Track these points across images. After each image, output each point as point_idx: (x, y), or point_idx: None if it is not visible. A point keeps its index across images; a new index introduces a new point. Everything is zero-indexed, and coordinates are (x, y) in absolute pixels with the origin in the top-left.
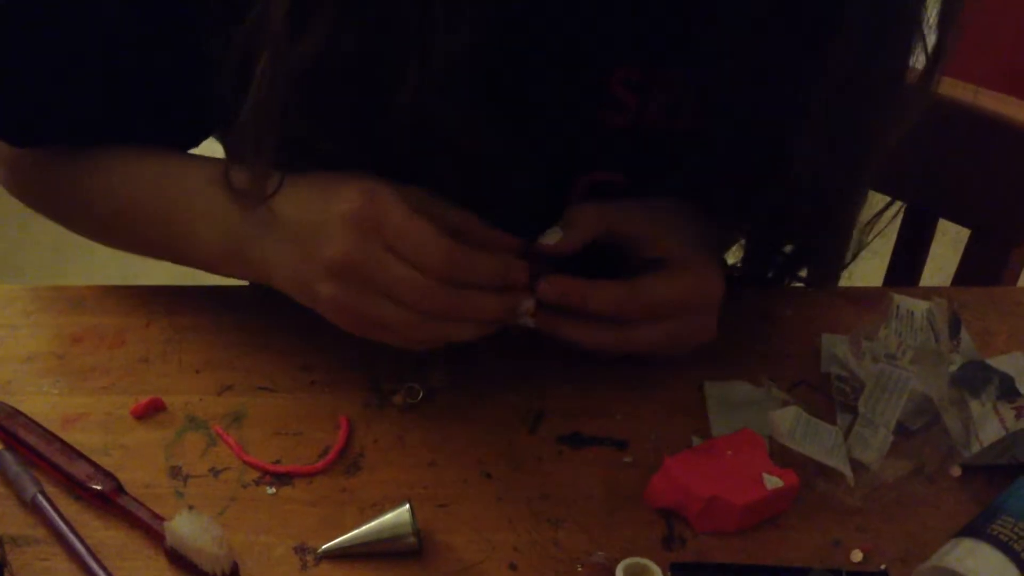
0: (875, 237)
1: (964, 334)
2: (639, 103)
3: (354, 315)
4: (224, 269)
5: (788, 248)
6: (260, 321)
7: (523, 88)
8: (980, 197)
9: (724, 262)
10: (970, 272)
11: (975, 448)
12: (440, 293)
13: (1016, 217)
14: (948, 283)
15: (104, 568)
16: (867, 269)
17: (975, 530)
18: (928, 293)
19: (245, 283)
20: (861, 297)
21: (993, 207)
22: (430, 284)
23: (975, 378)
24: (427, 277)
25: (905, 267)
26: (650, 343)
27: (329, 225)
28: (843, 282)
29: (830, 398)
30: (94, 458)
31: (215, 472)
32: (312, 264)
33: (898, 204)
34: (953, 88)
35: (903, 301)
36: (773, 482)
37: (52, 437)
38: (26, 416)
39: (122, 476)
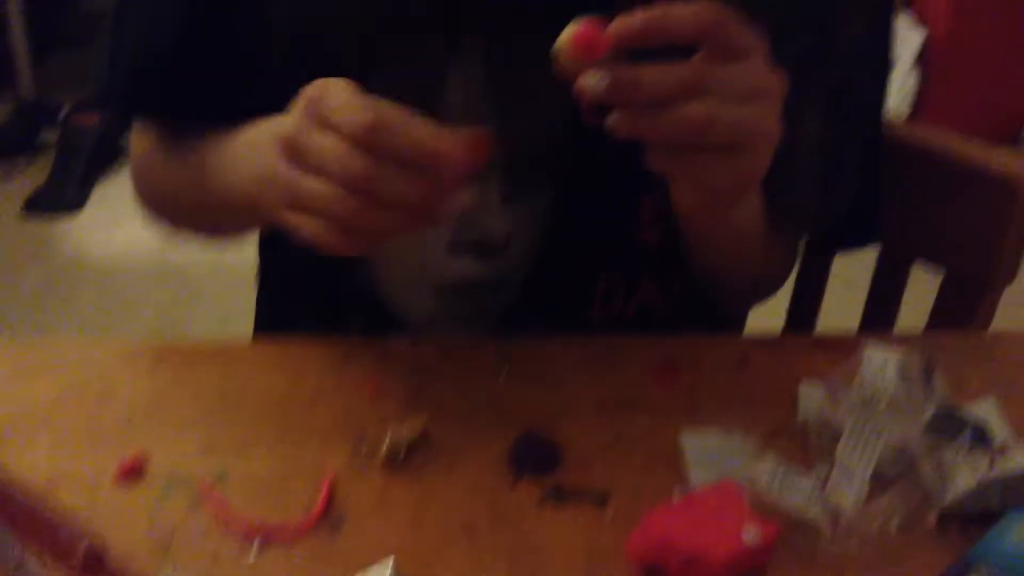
0: None
1: (937, 381)
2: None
3: (286, 190)
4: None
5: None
6: (243, 376)
7: None
8: (953, 240)
9: None
10: (944, 314)
11: (950, 496)
12: (360, 160)
13: (988, 260)
14: (924, 322)
15: None
16: (844, 309)
17: None
18: (903, 339)
19: (227, 338)
20: (836, 344)
21: (966, 250)
22: (350, 150)
23: (949, 426)
24: (350, 144)
25: (881, 308)
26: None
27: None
28: (820, 324)
29: (807, 446)
30: (78, 520)
31: (199, 533)
32: (272, 146)
33: None
34: (926, 134)
35: (875, 352)
36: (753, 535)
37: (36, 500)
38: (10, 477)
39: (106, 537)
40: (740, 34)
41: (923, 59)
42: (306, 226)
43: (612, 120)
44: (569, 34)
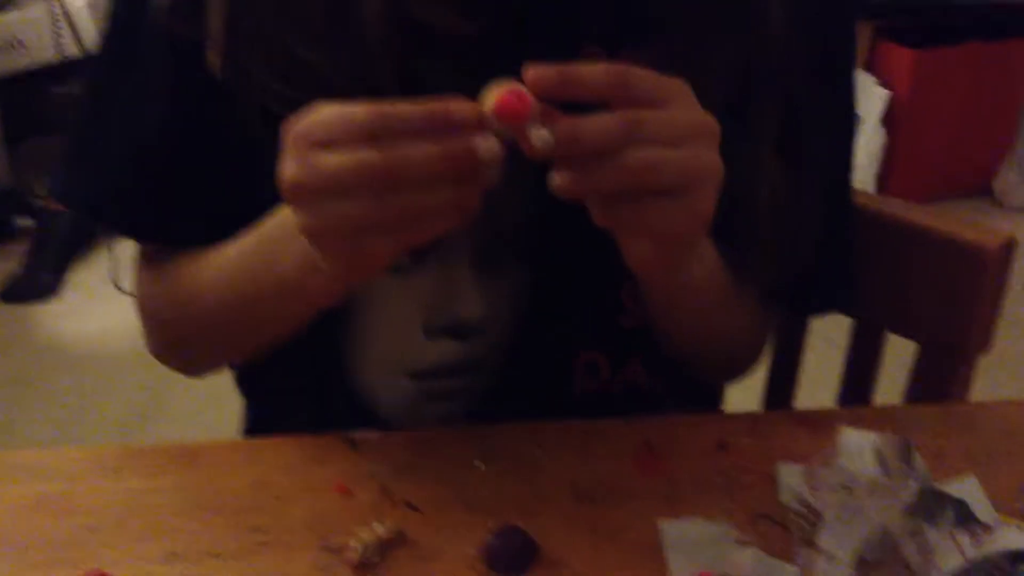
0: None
1: (917, 459)
2: None
3: (326, 236)
4: (304, 278)
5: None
6: (208, 480)
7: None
8: (924, 311)
9: None
10: (921, 384)
11: None
12: (375, 155)
13: (961, 330)
14: (902, 392)
15: None
16: (825, 368)
17: None
18: (880, 415)
19: (188, 442)
20: (815, 420)
21: (938, 321)
22: (362, 149)
23: (931, 507)
24: (358, 146)
25: (858, 379)
26: (661, 137)
27: None
28: (801, 384)
29: (790, 531)
30: None
31: None
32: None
33: None
34: (895, 205)
35: (851, 436)
36: None
37: None
38: None
39: None
40: (656, 84)
41: (888, 119)
42: (366, 255)
43: (553, 181)
44: (491, 103)
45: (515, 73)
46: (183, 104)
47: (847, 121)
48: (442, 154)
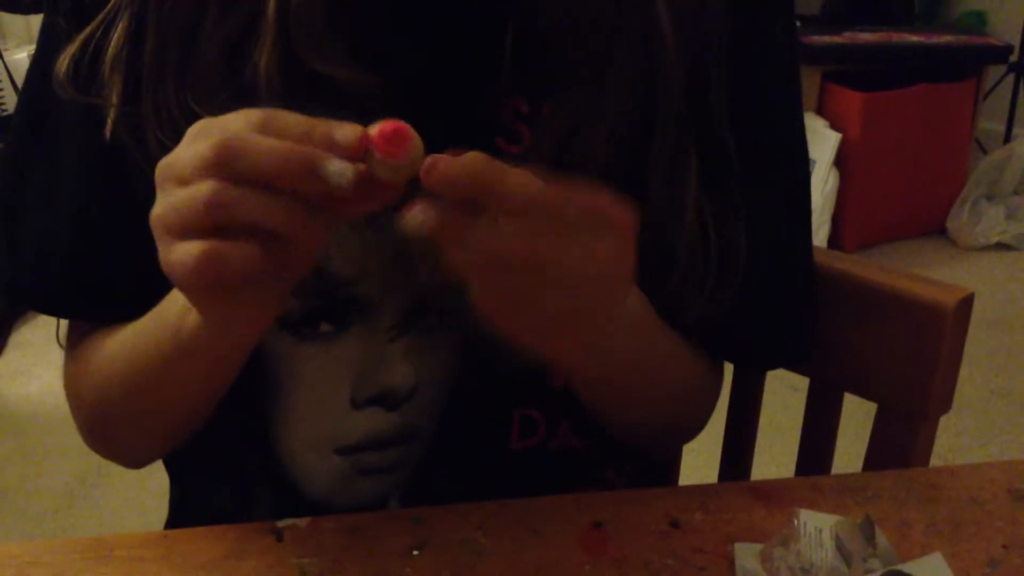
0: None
1: (880, 537)
2: (532, 134)
3: (163, 225)
4: (182, 319)
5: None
6: None
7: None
8: (882, 371)
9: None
10: (882, 448)
11: None
12: (210, 143)
13: (920, 390)
14: (862, 455)
15: None
16: (789, 411)
17: None
18: (840, 484)
19: (102, 536)
20: (771, 492)
21: (896, 381)
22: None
23: None
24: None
25: (817, 444)
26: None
27: None
28: (763, 427)
29: None
30: None
31: None
32: None
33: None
34: (850, 262)
35: (809, 518)
36: None
37: None
38: None
39: None
40: (529, 195)
41: (840, 161)
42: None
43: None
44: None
45: (429, 129)
46: (94, 177)
47: (794, 162)
48: (284, 152)
